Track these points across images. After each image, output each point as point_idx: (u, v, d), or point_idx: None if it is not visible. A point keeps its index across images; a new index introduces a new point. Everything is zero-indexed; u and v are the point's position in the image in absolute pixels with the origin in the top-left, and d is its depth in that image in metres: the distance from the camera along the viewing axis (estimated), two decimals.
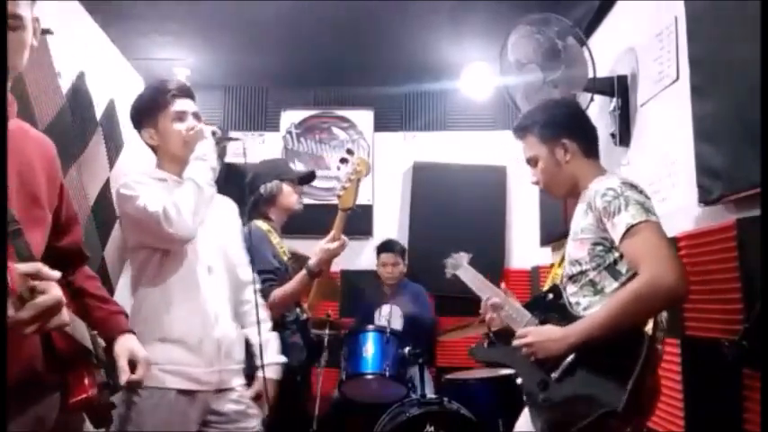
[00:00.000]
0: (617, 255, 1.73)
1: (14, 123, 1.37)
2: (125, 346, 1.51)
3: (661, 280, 1.57)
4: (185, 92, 2.01)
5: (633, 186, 1.73)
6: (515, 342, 1.80)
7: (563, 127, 1.91)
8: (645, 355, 1.60)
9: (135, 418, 1.75)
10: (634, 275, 1.68)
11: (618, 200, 1.68)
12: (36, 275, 1.08)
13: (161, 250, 1.88)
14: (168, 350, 1.82)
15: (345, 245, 2.47)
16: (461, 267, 2.16)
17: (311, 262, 2.48)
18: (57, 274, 1.13)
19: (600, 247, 1.75)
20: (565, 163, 1.89)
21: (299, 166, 4.76)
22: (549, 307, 1.85)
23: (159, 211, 1.78)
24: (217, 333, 1.92)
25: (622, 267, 1.73)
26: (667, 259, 1.60)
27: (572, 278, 1.82)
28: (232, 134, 4.65)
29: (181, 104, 1.97)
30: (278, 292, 2.50)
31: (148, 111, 1.98)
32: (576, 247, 1.80)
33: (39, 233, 1.37)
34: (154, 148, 2.02)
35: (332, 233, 2.47)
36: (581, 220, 1.80)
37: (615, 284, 1.73)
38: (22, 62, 1.31)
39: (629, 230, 1.63)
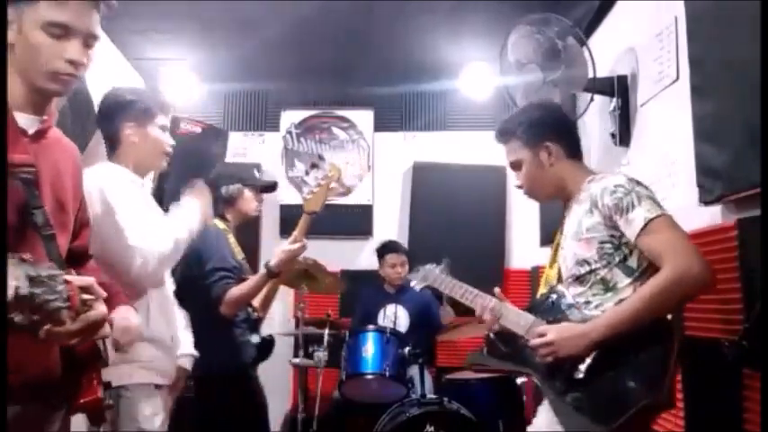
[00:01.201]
0: (626, 251, 1.72)
1: (51, 132, 1.46)
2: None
3: (690, 270, 1.58)
4: (169, 109, 2.13)
5: (639, 182, 1.74)
6: (533, 342, 1.76)
7: (546, 130, 1.91)
8: (676, 345, 1.61)
9: (128, 410, 1.83)
10: (647, 270, 1.69)
11: (629, 196, 1.68)
12: (88, 290, 1.17)
13: None
14: (149, 349, 1.89)
15: (305, 247, 2.57)
16: (438, 279, 2.09)
17: (272, 262, 2.54)
18: (103, 292, 1.24)
19: (608, 245, 1.74)
20: (549, 166, 1.89)
21: (298, 167, 4.78)
22: (555, 309, 1.82)
23: (138, 249, 1.80)
24: (177, 332, 2.08)
25: (633, 263, 1.72)
26: (691, 250, 1.61)
27: (579, 278, 1.80)
28: (232, 134, 4.66)
29: (164, 119, 2.07)
30: (235, 291, 2.55)
31: (144, 110, 2.01)
32: (582, 247, 1.78)
33: (63, 238, 1.43)
34: (126, 144, 2.01)
35: (293, 235, 2.56)
36: (584, 220, 1.78)
37: (628, 280, 1.72)
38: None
39: (648, 225, 1.64)
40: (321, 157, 2.67)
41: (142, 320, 1.85)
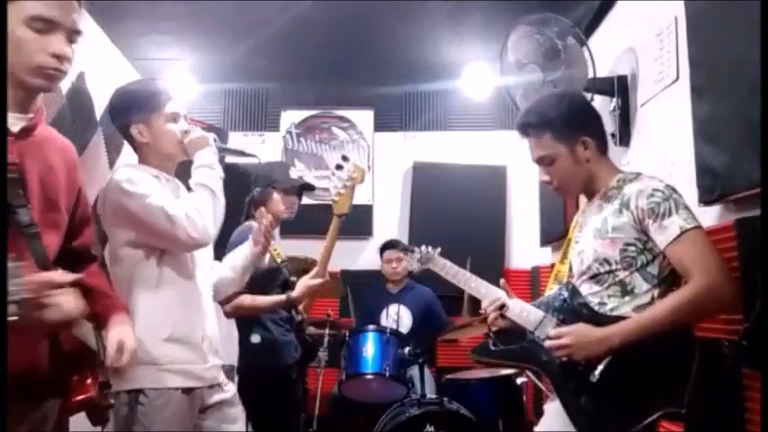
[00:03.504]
0: (649, 257, 1.69)
1: (41, 129, 1.44)
2: (116, 333, 1.53)
3: (719, 288, 1.57)
4: (174, 94, 2.01)
5: (675, 190, 1.70)
6: (550, 343, 1.72)
7: (583, 123, 1.83)
8: (699, 354, 1.59)
9: (142, 419, 1.75)
10: (666, 278, 1.67)
11: (668, 202, 1.64)
12: (53, 285, 1.20)
13: (159, 249, 1.86)
14: (172, 350, 1.82)
15: (327, 280, 2.64)
16: (435, 261, 2.08)
17: (294, 294, 2.60)
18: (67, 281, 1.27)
19: (632, 248, 1.70)
20: (585, 161, 1.81)
21: (299, 166, 4.78)
22: (567, 306, 1.79)
23: (182, 215, 1.78)
24: (208, 329, 1.95)
25: (653, 270, 1.69)
26: (723, 268, 1.59)
27: (595, 277, 1.76)
28: (232, 134, 4.67)
29: (173, 105, 1.97)
30: (247, 300, 2.57)
31: (141, 108, 1.94)
32: (606, 246, 1.73)
33: (55, 236, 1.43)
34: (139, 145, 1.97)
35: (316, 269, 2.60)
36: (612, 219, 1.73)
37: (646, 286, 1.69)
38: None
39: (683, 235, 1.60)
40: (345, 158, 2.66)
41: (166, 322, 1.82)
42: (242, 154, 2.24)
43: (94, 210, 1.90)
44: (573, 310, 1.77)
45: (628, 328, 1.64)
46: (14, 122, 1.35)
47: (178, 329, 1.84)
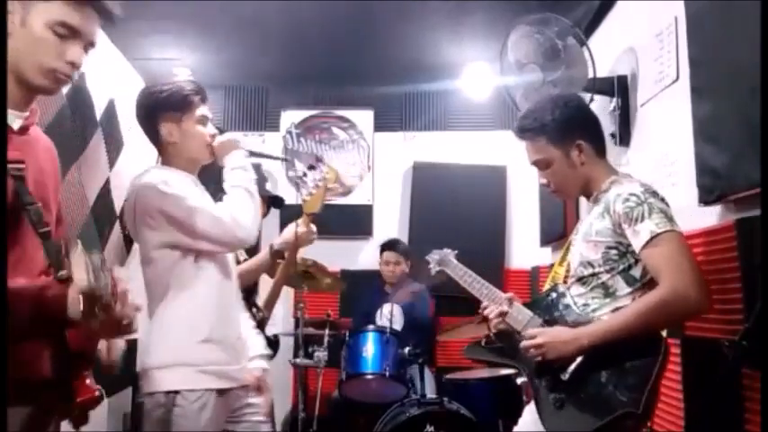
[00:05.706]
0: (632, 260, 1.72)
1: (32, 129, 1.43)
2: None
3: (684, 293, 1.58)
4: (207, 97, 2.04)
5: (655, 193, 1.71)
6: (524, 343, 1.77)
7: (577, 128, 1.85)
8: (662, 357, 1.62)
9: (179, 421, 1.73)
10: (649, 282, 1.68)
11: (641, 207, 1.66)
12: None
13: (194, 252, 1.84)
14: (209, 351, 1.81)
15: (313, 233, 2.50)
16: (451, 265, 2.13)
17: (276, 242, 2.51)
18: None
19: (614, 251, 1.73)
20: (580, 165, 1.84)
21: (298, 166, 4.77)
22: (553, 307, 1.83)
23: (227, 216, 1.80)
24: (243, 330, 1.99)
25: (636, 273, 1.72)
26: (691, 272, 1.60)
27: (581, 279, 1.80)
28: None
29: (204, 109, 1.99)
30: (239, 267, 2.53)
31: (174, 107, 1.93)
32: (589, 249, 1.78)
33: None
34: (166, 146, 1.95)
35: (300, 220, 2.50)
36: (596, 223, 1.77)
37: (628, 289, 1.72)
38: None
39: (653, 239, 1.62)
40: (319, 159, 2.69)
41: (204, 323, 1.81)
42: (270, 157, 2.22)
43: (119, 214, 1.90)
44: (557, 310, 1.81)
45: (597, 329, 1.68)
46: (14, 120, 1.35)
47: (216, 331, 1.83)
